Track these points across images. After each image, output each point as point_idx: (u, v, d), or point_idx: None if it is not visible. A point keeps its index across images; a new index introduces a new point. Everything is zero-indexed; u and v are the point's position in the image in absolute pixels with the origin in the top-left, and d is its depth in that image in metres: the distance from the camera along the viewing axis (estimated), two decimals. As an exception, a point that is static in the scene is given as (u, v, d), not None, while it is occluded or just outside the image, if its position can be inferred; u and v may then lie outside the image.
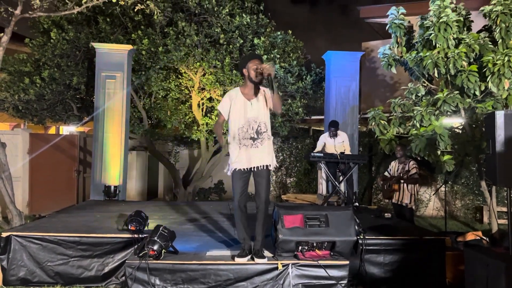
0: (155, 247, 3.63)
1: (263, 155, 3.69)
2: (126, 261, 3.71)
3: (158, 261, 3.61)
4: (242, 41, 9.15)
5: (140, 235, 4.36)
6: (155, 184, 12.42)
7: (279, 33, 9.75)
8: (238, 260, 3.62)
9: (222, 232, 5.16)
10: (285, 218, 3.65)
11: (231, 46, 9.16)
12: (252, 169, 3.70)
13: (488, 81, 5.80)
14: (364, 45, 13.41)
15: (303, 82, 9.94)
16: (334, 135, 7.39)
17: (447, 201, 10.14)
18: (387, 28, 7.25)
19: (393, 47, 7.24)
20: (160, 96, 10.37)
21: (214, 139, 10.64)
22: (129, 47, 8.30)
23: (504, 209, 8.52)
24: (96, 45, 8.23)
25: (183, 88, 10.30)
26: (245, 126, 3.72)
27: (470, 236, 6.37)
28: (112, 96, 8.14)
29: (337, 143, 7.36)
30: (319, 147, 7.52)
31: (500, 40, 6.07)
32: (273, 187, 12.23)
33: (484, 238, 6.30)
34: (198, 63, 9.25)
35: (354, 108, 8.83)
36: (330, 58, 8.86)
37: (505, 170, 3.82)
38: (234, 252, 3.84)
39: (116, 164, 8.06)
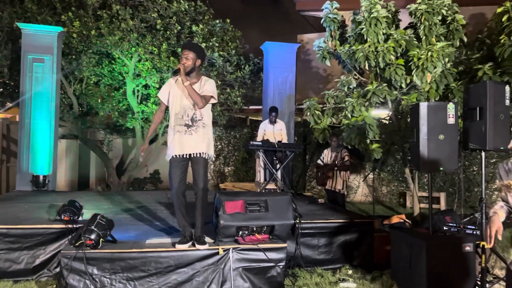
0: (93, 236, 3.53)
1: (197, 142, 3.69)
2: (61, 252, 3.57)
3: (96, 251, 3.52)
4: (180, 27, 9.00)
5: (75, 225, 4.22)
6: (86, 174, 11.92)
7: (217, 21, 9.72)
8: (179, 246, 3.63)
9: (161, 220, 5.12)
10: (226, 204, 3.72)
11: (168, 32, 8.98)
12: (189, 157, 3.71)
13: (413, 74, 6.24)
14: (300, 37, 13.73)
15: (241, 72, 10.01)
16: (274, 121, 7.55)
17: (375, 187, 10.80)
18: (322, 21, 7.51)
19: (327, 40, 7.51)
20: (92, 82, 9.92)
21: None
22: (59, 29, 7.84)
23: (425, 194, 9.26)
24: (22, 25, 7.67)
25: (116, 74, 9.94)
26: (181, 112, 3.73)
27: (395, 219, 6.88)
28: (40, 81, 7.66)
29: (276, 130, 7.54)
30: (260, 135, 7.65)
31: (424, 37, 6.53)
32: (211, 176, 12.26)
33: (407, 220, 6.83)
34: (133, 48, 8.97)
35: (291, 98, 9.07)
36: (268, 49, 9.01)
37: (427, 157, 4.18)
38: (175, 239, 3.84)
39: (44, 153, 7.62)
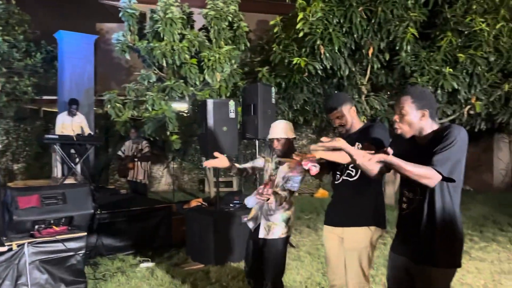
0: None
1: None
2: None
3: None
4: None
5: None
6: None
7: (0, 2, 8.71)
8: (-36, 248, 3.40)
9: None
10: (19, 200, 3.63)
11: None
12: None
13: (205, 73, 7.00)
14: (99, 26, 13.32)
15: (32, 59, 9.24)
16: (74, 114, 7.30)
17: (177, 176, 11.48)
18: (120, 15, 7.60)
19: (126, 34, 7.65)
20: None
21: None
22: None
23: (220, 179, 10.34)
24: None
25: None
26: None
27: (193, 203, 7.57)
28: None
29: (75, 123, 7.33)
30: (58, 128, 7.29)
31: (214, 40, 7.36)
32: (-4, 174, 10.88)
33: (204, 203, 7.62)
34: None
35: (89, 90, 8.86)
36: (63, 38, 8.56)
37: (213, 145, 4.88)
38: (-43, 242, 3.55)
39: None
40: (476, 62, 6.36)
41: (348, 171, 2.62)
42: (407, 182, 2.13)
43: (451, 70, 6.44)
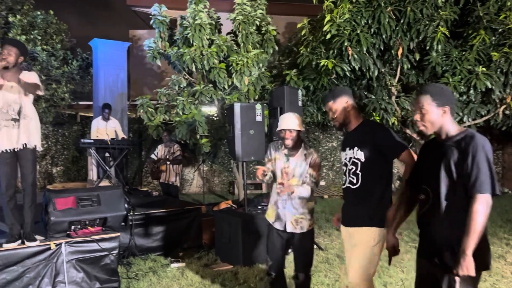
0: None
1: (27, 135, 3.72)
2: None
3: None
4: (-6, 17, 8.23)
5: None
6: None
7: (39, 12, 9.13)
8: (6, 246, 3.60)
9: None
10: (56, 201, 3.83)
11: (-21, 21, 8.12)
12: (17, 151, 3.69)
13: (233, 77, 7.10)
14: (132, 32, 13.73)
15: (69, 67, 9.63)
16: (107, 118, 7.57)
17: (207, 179, 11.66)
18: (151, 23, 7.82)
19: (157, 41, 7.87)
20: None
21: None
22: None
23: (249, 182, 10.44)
24: None
25: None
26: (5, 107, 3.70)
27: (223, 205, 7.69)
28: None
29: (109, 127, 7.59)
30: (93, 133, 7.58)
31: (242, 44, 7.45)
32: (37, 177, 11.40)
33: (233, 205, 7.72)
34: None
35: (123, 95, 9.15)
36: (97, 46, 8.89)
37: (241, 148, 4.97)
38: (2, 240, 3.78)
39: None
40: (511, 60, 6.17)
41: (350, 178, 2.67)
42: (417, 184, 2.15)
43: (484, 69, 6.26)
